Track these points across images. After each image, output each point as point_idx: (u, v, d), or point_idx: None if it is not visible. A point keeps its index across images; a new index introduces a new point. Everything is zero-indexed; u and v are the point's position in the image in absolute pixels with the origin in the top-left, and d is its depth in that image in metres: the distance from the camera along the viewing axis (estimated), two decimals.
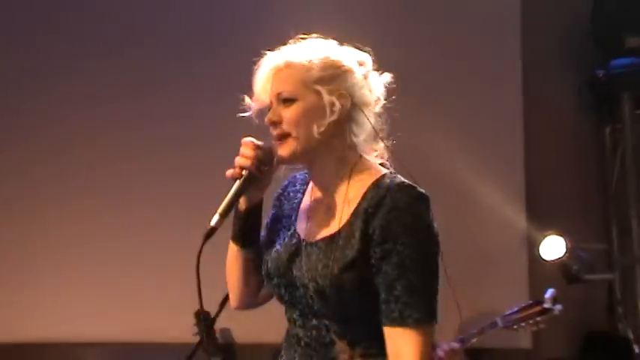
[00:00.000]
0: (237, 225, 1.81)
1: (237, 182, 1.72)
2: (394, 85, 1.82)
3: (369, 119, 1.73)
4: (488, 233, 3.67)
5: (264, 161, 1.73)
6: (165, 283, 3.66)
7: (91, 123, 3.82)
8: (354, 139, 1.73)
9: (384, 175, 1.71)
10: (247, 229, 1.81)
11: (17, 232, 3.82)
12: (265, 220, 1.88)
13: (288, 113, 1.70)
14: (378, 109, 1.77)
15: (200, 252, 1.66)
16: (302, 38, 1.77)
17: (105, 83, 3.81)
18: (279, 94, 1.71)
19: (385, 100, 1.79)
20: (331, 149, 1.72)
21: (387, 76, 1.80)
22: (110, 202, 3.77)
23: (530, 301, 3.22)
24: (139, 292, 3.72)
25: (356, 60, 1.75)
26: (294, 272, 1.73)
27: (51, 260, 3.78)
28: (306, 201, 1.83)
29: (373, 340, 1.67)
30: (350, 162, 1.73)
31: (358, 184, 1.70)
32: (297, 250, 1.75)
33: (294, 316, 1.78)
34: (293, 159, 1.73)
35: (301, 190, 1.86)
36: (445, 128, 3.64)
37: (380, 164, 1.77)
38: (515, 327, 3.17)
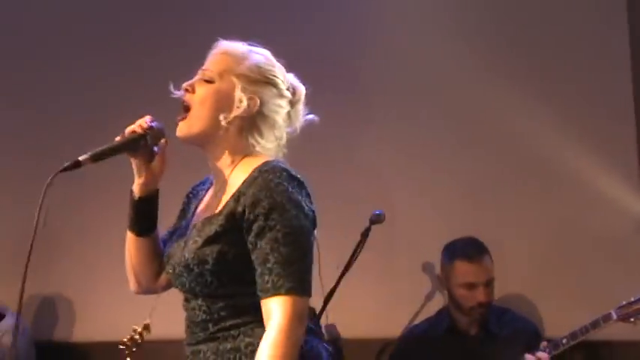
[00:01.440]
0: (131, 212, 1.90)
1: (120, 138, 1.82)
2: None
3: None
4: (602, 220, 3.52)
5: (154, 135, 1.82)
6: None
7: None
8: (252, 142, 1.82)
9: (266, 162, 1.77)
10: (141, 218, 1.91)
11: None
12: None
13: (202, 90, 1.80)
14: (285, 134, 1.87)
15: (49, 182, 1.71)
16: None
17: None
18: (204, 70, 1.83)
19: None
20: (226, 139, 1.81)
21: (313, 117, 1.91)
22: None
23: None
24: None
25: (289, 84, 1.86)
26: (179, 255, 1.81)
27: None
28: (207, 194, 1.93)
29: (238, 318, 1.76)
30: (242, 153, 1.82)
31: (242, 170, 1.78)
32: (186, 235, 1.84)
33: (183, 301, 1.86)
34: (191, 134, 1.81)
35: (208, 187, 1.96)
36: (554, 115, 3.55)
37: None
38: (632, 319, 3.00)
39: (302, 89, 1.90)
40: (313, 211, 1.78)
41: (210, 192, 1.91)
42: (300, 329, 1.68)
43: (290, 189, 1.71)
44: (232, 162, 1.82)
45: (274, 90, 1.83)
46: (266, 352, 1.64)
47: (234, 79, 1.79)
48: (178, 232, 1.93)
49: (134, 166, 1.88)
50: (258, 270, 1.71)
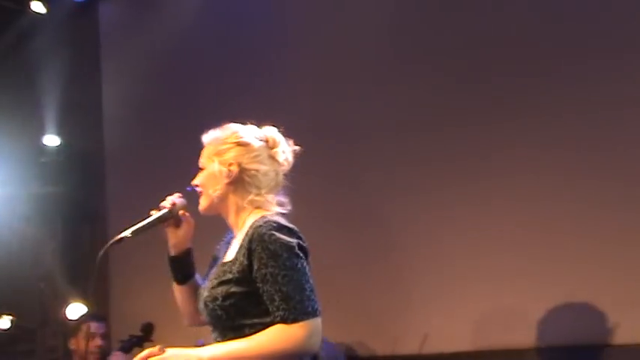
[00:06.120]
0: (170, 267, 2.43)
1: (155, 214, 2.36)
2: None
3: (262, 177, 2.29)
4: None
5: (177, 209, 2.37)
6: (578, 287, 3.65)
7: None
8: (249, 197, 2.27)
9: (263, 216, 2.22)
10: (177, 271, 2.42)
11: (439, 243, 4.06)
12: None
13: (198, 178, 2.34)
14: (278, 173, 2.31)
15: (101, 255, 2.27)
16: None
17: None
18: (200, 163, 2.35)
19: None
20: (231, 203, 2.31)
21: (296, 148, 2.35)
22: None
23: None
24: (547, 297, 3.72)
25: (256, 136, 2.32)
26: (204, 294, 2.28)
27: (470, 269, 3.93)
28: (232, 242, 2.34)
29: None
30: (249, 208, 2.28)
31: (247, 226, 2.24)
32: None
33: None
34: (205, 210, 2.34)
35: (232, 237, 2.37)
36: None
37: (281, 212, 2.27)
38: None
39: (274, 134, 2.35)
40: (304, 248, 2.18)
41: (233, 242, 2.33)
42: (298, 345, 2.09)
43: (280, 236, 2.14)
44: (241, 219, 2.29)
45: (244, 148, 2.30)
46: (261, 335, 2.10)
47: (214, 158, 2.30)
48: (210, 275, 2.35)
49: (167, 232, 2.41)
50: (270, 309, 2.11)
